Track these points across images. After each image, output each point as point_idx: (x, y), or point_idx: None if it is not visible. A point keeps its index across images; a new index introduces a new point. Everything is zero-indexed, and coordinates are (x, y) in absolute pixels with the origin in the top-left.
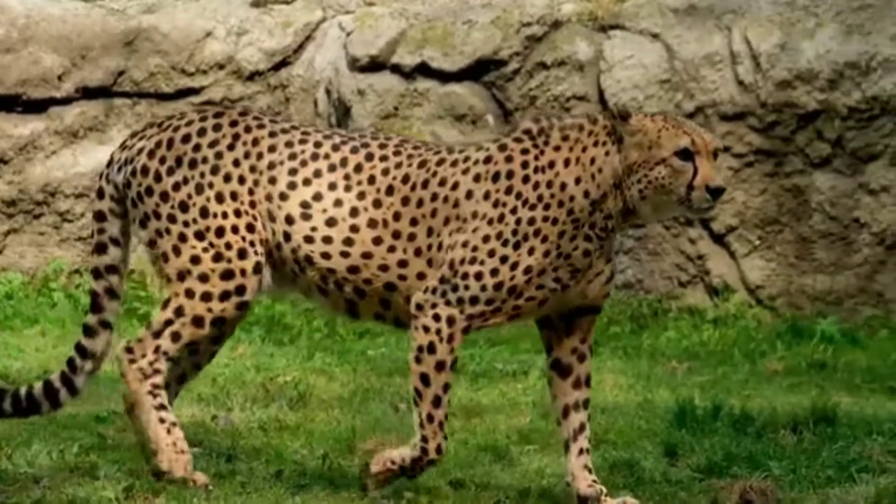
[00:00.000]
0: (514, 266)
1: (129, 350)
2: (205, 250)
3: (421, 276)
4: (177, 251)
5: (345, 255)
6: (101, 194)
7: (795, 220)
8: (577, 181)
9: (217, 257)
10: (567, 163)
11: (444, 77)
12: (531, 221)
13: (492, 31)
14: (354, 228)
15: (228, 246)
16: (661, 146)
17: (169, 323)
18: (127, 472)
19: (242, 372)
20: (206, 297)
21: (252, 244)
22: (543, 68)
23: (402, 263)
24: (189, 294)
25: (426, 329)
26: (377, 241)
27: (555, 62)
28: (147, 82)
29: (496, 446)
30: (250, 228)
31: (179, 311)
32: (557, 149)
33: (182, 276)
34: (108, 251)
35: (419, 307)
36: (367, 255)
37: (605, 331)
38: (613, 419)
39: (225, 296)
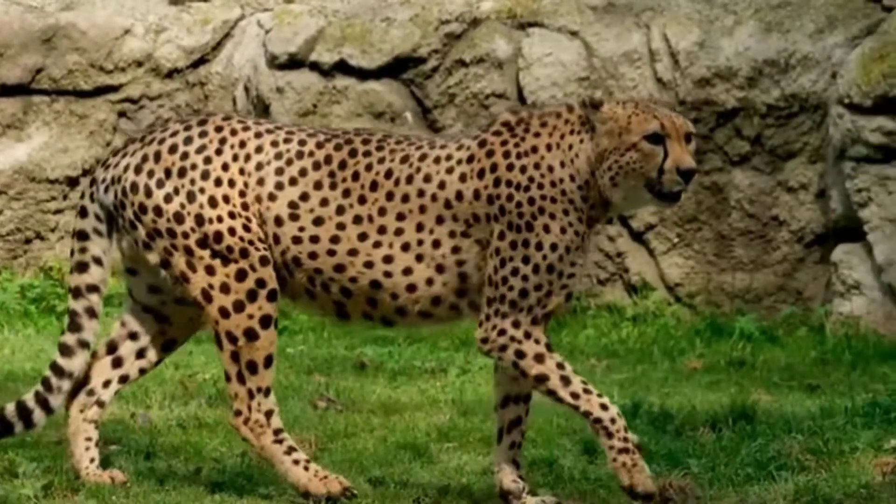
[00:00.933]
0: (538, 246)
1: (237, 413)
2: (213, 257)
3: (407, 271)
4: (192, 267)
5: (331, 253)
6: (83, 213)
7: (714, 217)
8: (562, 165)
9: (225, 261)
10: (549, 147)
11: (362, 74)
12: (531, 202)
13: (410, 28)
14: (341, 226)
15: (230, 249)
16: (631, 131)
17: (235, 356)
18: (46, 470)
19: (161, 369)
20: (239, 307)
21: (251, 242)
22: (462, 66)
23: (388, 259)
24: (224, 314)
25: (503, 348)
26: (362, 237)
27: (474, 60)
28: (66, 80)
29: (415, 444)
30: (246, 229)
31: (231, 338)
32: (537, 135)
33: (208, 295)
34: (89, 270)
35: (484, 340)
36: (352, 252)
37: None
38: (532, 417)
39: (252, 295)
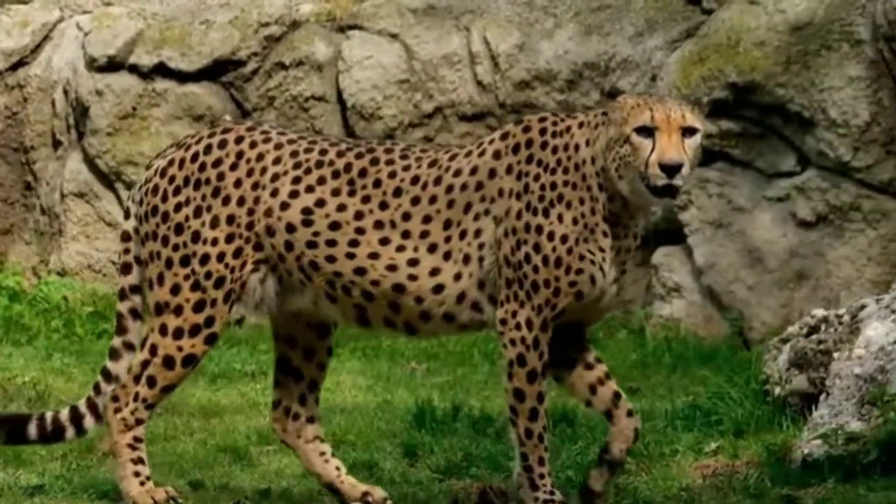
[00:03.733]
0: (550, 236)
1: (114, 398)
2: (186, 278)
3: (434, 272)
4: (161, 280)
5: (350, 256)
6: (126, 214)
7: None
8: (587, 143)
9: (195, 286)
10: (581, 126)
11: (182, 77)
12: (553, 186)
13: (230, 31)
14: (360, 230)
15: (209, 275)
16: (627, 123)
17: (145, 364)
18: None
19: None
20: (178, 333)
21: (233, 270)
22: (282, 68)
23: (413, 262)
24: (162, 330)
25: (513, 342)
26: (384, 241)
27: (293, 62)
28: None
29: (235, 447)
30: (237, 253)
31: (153, 350)
32: (575, 117)
33: (160, 308)
34: (132, 271)
35: (503, 322)
36: (373, 256)
37: (343, 331)
38: (353, 420)
39: (195, 330)
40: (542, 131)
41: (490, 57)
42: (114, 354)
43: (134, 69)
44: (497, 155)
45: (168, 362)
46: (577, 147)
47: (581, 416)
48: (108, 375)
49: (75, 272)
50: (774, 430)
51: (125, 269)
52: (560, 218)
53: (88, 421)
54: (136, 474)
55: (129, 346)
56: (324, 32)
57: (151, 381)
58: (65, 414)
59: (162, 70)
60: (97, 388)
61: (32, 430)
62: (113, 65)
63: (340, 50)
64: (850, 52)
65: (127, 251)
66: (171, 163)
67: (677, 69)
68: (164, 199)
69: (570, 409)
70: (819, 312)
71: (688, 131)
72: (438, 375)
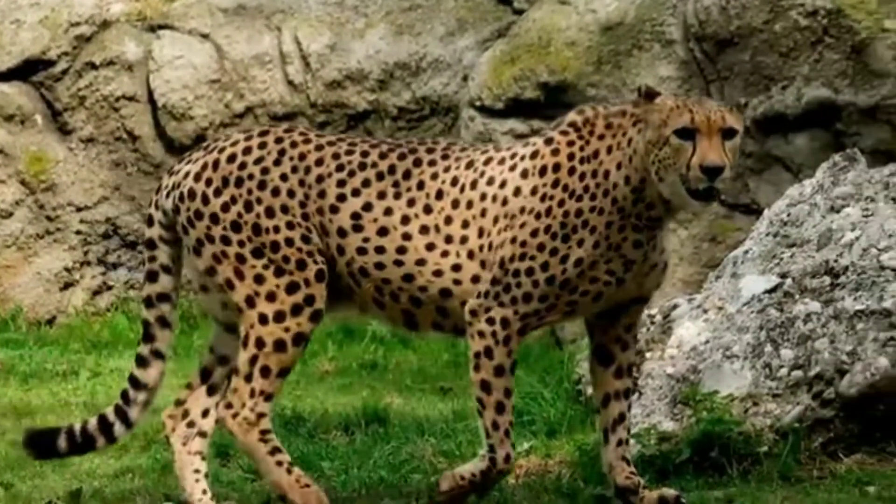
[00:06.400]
0: (564, 259)
1: (228, 406)
2: (265, 267)
3: (475, 279)
4: (239, 274)
5: (398, 263)
6: (150, 222)
7: None
8: (619, 167)
9: (279, 272)
10: (609, 150)
11: None
12: (578, 213)
13: (40, 30)
14: (406, 236)
15: (287, 259)
16: (667, 125)
17: (254, 360)
18: None
19: None
20: (280, 316)
21: (310, 254)
22: (92, 68)
23: (456, 267)
24: (263, 320)
25: (481, 334)
26: (430, 246)
27: (104, 62)
28: None
29: None
30: (305, 239)
31: (260, 343)
32: (601, 137)
33: (251, 300)
34: (159, 279)
35: (473, 313)
36: (420, 262)
37: None
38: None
39: (296, 309)
40: (570, 156)
41: (301, 57)
42: (141, 362)
43: None
44: (525, 174)
45: (279, 346)
46: (606, 174)
47: (393, 417)
48: (136, 383)
49: None
50: (587, 430)
51: (151, 277)
52: (580, 243)
53: (119, 429)
54: (279, 463)
55: (157, 354)
56: (134, 32)
57: (265, 371)
58: (93, 423)
59: None
60: (125, 397)
61: (62, 443)
62: None
63: (151, 50)
64: (662, 52)
65: (152, 259)
66: (203, 167)
67: (489, 69)
68: (206, 201)
69: (382, 409)
70: None
71: (727, 133)
72: None
